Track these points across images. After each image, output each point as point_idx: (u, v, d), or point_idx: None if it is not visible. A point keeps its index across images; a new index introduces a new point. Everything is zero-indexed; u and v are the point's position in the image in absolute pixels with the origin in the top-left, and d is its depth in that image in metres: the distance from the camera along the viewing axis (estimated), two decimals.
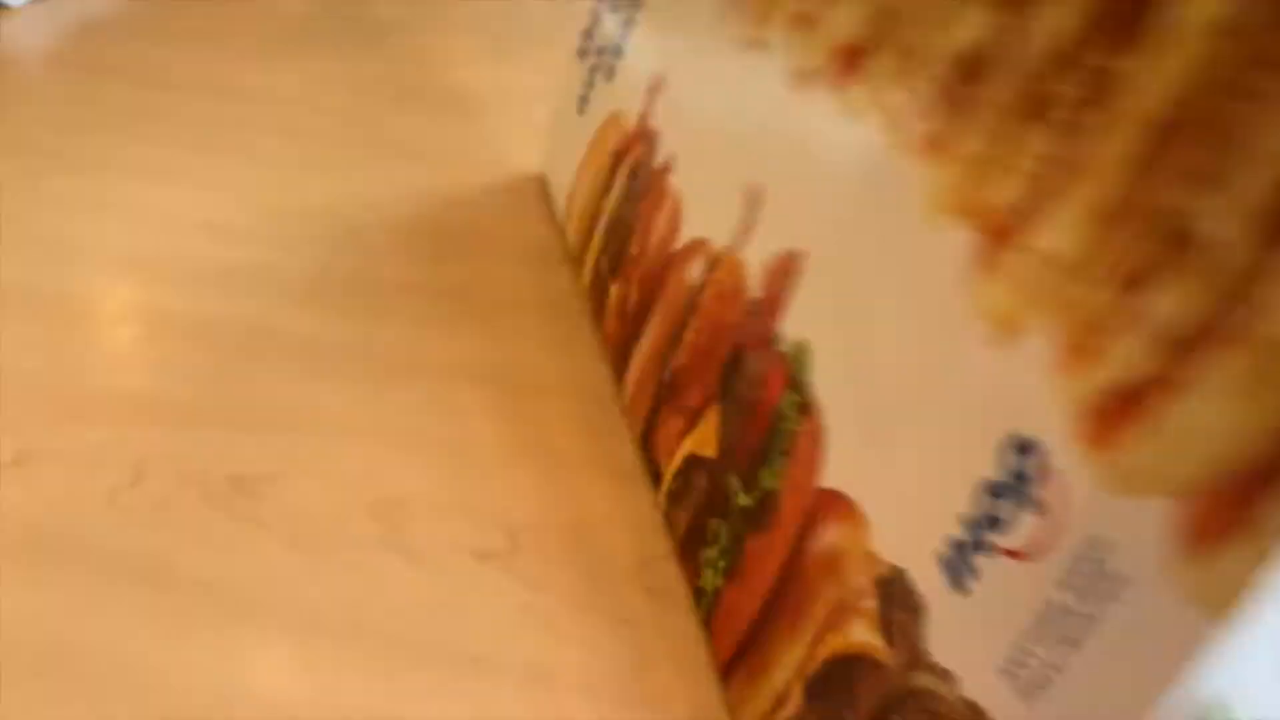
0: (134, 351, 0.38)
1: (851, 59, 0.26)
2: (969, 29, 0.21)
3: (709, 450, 0.30)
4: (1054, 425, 0.18)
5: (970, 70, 0.21)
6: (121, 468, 0.32)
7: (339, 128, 0.52)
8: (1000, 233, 0.20)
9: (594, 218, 0.40)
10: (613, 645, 0.29)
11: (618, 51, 0.40)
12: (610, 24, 0.41)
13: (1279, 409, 0.14)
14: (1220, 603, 0.14)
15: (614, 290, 0.38)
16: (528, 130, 0.51)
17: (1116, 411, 0.17)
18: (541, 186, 0.48)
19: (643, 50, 0.38)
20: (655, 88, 0.37)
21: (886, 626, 0.22)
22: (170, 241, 0.43)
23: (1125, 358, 0.16)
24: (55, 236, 0.42)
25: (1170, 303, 0.15)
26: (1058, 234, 0.18)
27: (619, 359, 0.37)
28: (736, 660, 0.28)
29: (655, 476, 0.34)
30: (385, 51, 0.60)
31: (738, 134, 0.31)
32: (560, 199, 0.45)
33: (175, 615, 0.29)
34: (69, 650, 0.27)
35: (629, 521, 0.32)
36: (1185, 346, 0.15)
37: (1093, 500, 0.17)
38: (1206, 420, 0.15)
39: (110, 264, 0.42)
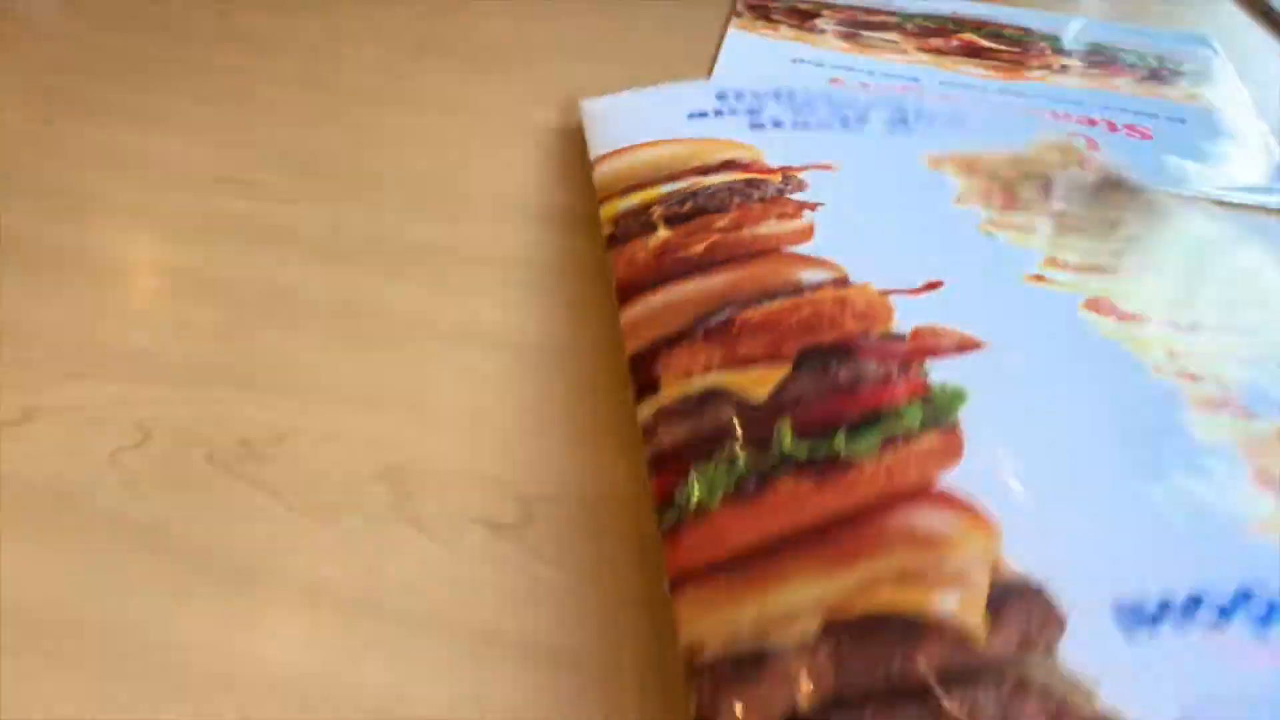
0: (142, 308, 0.36)
1: (1114, 313, 0.31)
2: None
3: (754, 394, 0.28)
4: None
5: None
6: (126, 427, 0.31)
7: (360, 80, 0.50)
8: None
9: (666, 176, 0.39)
10: (629, 625, 0.27)
11: (778, 124, 0.42)
12: (778, 110, 0.44)
13: None
14: None
15: (662, 233, 0.36)
16: (554, 85, 0.50)
17: None
18: (570, 140, 0.45)
19: (815, 144, 0.41)
20: (824, 167, 0.39)
21: (997, 613, 0.21)
22: (183, 195, 0.41)
23: None
24: (65, 187, 0.41)
25: None
26: None
27: (632, 285, 0.34)
28: (702, 576, 0.24)
29: (643, 389, 0.30)
30: (409, 2, 0.58)
31: (925, 246, 0.34)
32: (600, 142, 0.43)
33: (178, 580, 0.27)
34: (68, 615, 0.26)
35: (648, 497, 0.29)
36: None
37: None
38: None
39: (120, 217, 0.40)
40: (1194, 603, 0.21)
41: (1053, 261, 0.33)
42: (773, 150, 0.40)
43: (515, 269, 0.39)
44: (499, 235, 0.40)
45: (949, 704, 0.20)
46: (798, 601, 0.23)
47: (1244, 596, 0.21)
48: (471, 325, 0.36)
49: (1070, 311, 0.30)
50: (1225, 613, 0.21)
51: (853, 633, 0.22)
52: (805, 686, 0.21)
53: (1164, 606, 0.21)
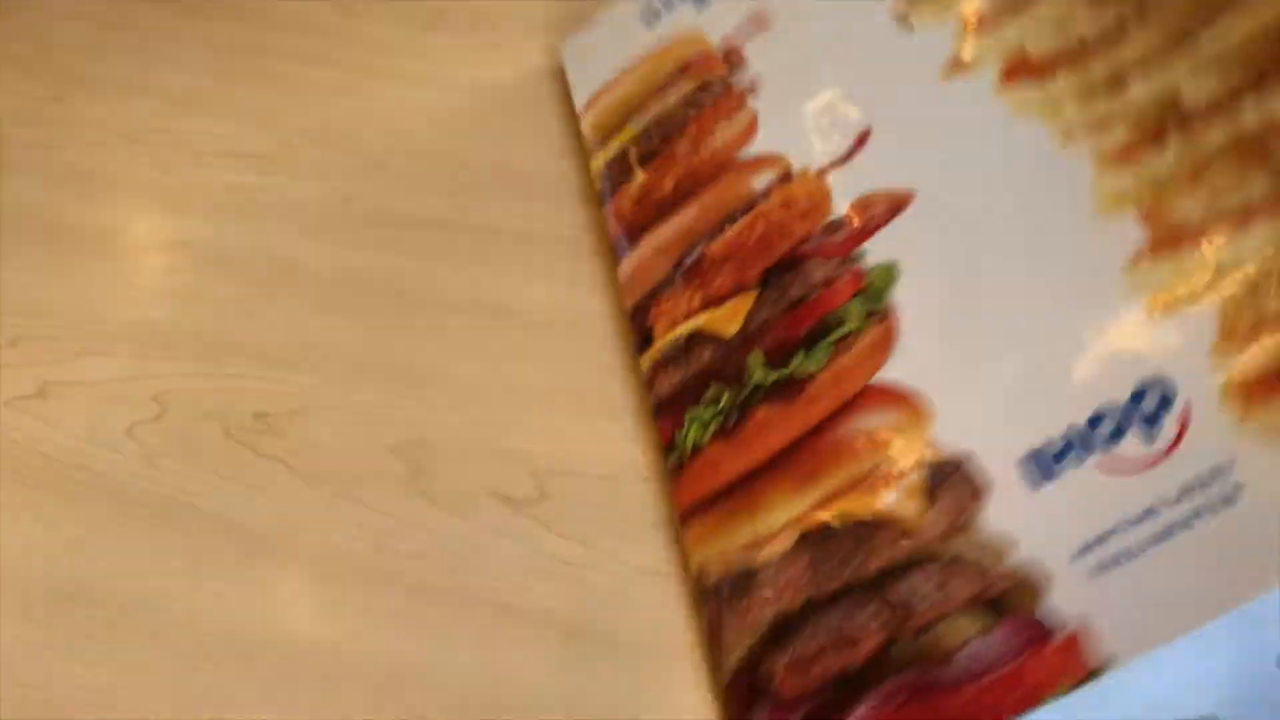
0: (156, 283, 0.37)
1: (1027, 70, 0.30)
2: (1200, 88, 0.25)
3: (726, 330, 0.32)
4: (1198, 382, 0.22)
5: (1181, 116, 0.25)
6: (143, 402, 0.32)
7: (371, 56, 0.49)
8: (1177, 236, 0.24)
9: (633, 111, 0.41)
10: (642, 597, 0.28)
11: None
12: None
13: None
14: None
15: (641, 177, 0.39)
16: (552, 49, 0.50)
17: (1273, 384, 0.21)
18: (558, 88, 0.47)
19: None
20: (757, 21, 0.39)
21: (930, 499, 0.25)
22: (194, 171, 0.41)
23: None
24: (77, 164, 0.41)
25: None
26: (1250, 250, 0.22)
27: (623, 238, 0.38)
28: (703, 508, 0.29)
29: (642, 342, 0.35)
30: None
31: (853, 84, 0.34)
32: (582, 91, 0.45)
33: (196, 552, 0.28)
34: (88, 585, 0.26)
35: (658, 470, 0.31)
36: None
37: (1226, 440, 0.21)
38: None
39: (132, 193, 0.40)
40: (1094, 423, 0.23)
41: (968, 25, 0.33)
42: (717, 25, 0.41)
43: (529, 243, 0.38)
44: (512, 210, 0.40)
45: (893, 593, 0.25)
46: (776, 521, 0.28)
47: (1137, 398, 0.23)
48: (485, 300, 0.36)
49: (986, 100, 0.30)
50: (1121, 424, 0.23)
51: (819, 542, 0.27)
52: (787, 593, 0.26)
53: (1067, 442, 0.24)
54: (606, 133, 0.42)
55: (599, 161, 0.42)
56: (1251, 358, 0.21)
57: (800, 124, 0.35)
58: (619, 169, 0.40)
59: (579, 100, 0.45)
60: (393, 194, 0.41)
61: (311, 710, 0.25)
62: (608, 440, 0.32)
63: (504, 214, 0.40)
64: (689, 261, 0.35)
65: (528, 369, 0.34)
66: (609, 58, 0.45)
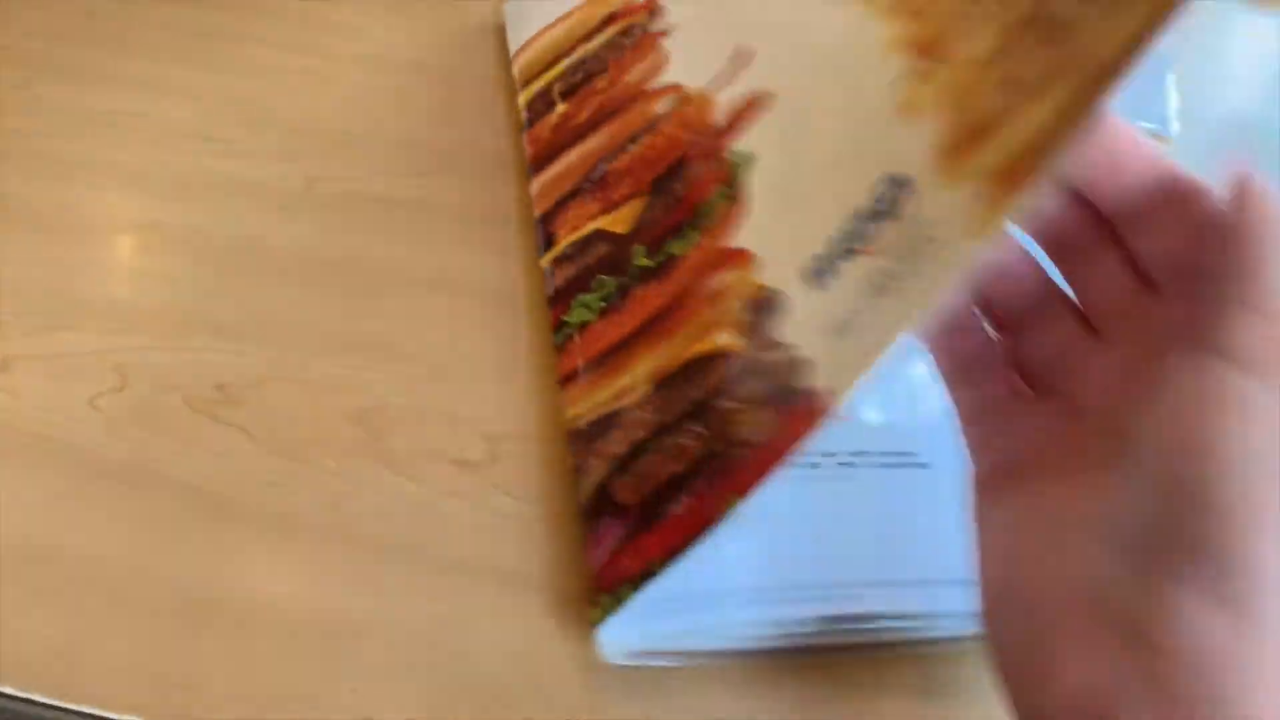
0: (121, 261, 0.38)
1: None
2: None
3: (620, 228, 0.36)
4: (922, 162, 0.26)
5: None
6: (105, 373, 0.32)
7: (335, 39, 0.50)
8: (927, 48, 0.28)
9: (562, 54, 0.46)
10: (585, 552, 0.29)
11: None
12: None
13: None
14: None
15: (560, 108, 0.43)
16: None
17: (970, 141, 0.25)
18: (500, 43, 0.51)
19: None
20: None
21: (749, 329, 0.29)
22: (162, 154, 0.42)
23: (985, 111, 0.24)
24: (46, 147, 0.42)
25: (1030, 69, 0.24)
26: (972, 57, 0.26)
27: (539, 160, 0.42)
28: (581, 372, 0.33)
29: (547, 244, 0.39)
30: None
31: (747, 19, 0.39)
32: (516, 41, 0.50)
33: (157, 517, 0.29)
34: (52, 552, 0.28)
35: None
36: (1025, 90, 0.23)
37: (931, 196, 0.25)
38: (1028, 128, 0.23)
39: (100, 175, 0.41)
40: (853, 225, 0.27)
41: None
42: None
43: (482, 220, 0.41)
44: (467, 188, 0.42)
45: (712, 407, 0.28)
46: (638, 375, 0.31)
47: (882, 193, 0.26)
48: (441, 274, 0.38)
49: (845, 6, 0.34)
50: (874, 218, 0.26)
51: (669, 382, 0.30)
52: (638, 428, 0.30)
53: (833, 247, 0.27)
54: (535, 72, 0.47)
55: (525, 97, 0.46)
56: (958, 129, 0.25)
57: (701, 58, 0.40)
58: (542, 102, 0.45)
59: (512, 48, 0.49)
60: (357, 174, 0.42)
61: (271, 666, 0.26)
62: (556, 405, 0.33)
63: (462, 192, 0.42)
64: (595, 176, 0.39)
65: (480, 339, 0.35)
66: (544, 13, 0.50)
